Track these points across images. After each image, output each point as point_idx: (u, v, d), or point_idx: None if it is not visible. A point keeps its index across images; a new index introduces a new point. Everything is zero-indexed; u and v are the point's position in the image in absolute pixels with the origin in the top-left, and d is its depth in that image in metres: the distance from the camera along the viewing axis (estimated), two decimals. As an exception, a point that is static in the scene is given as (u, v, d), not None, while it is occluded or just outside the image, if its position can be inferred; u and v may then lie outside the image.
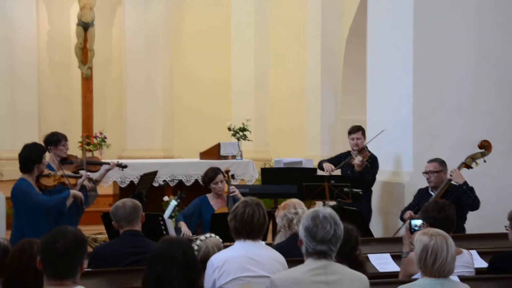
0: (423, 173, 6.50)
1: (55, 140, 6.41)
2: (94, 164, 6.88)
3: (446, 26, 7.24)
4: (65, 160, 6.38)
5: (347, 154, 7.70)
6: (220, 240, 4.27)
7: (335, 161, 7.73)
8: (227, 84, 13.92)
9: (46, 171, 6.07)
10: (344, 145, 7.77)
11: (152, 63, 13.64)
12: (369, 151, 7.45)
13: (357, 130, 7.47)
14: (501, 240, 5.19)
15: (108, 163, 6.90)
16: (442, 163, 6.44)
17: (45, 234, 3.00)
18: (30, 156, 5.90)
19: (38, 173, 5.97)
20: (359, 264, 3.91)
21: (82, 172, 6.52)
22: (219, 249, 4.11)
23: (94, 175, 6.59)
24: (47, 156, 6.43)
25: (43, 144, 6.44)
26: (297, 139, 12.45)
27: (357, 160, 7.26)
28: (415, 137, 7.27)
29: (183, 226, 6.46)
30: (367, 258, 4.18)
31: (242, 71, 13.68)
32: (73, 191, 6.03)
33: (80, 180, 6.30)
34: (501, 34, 7.32)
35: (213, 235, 4.30)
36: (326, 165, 7.53)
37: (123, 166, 7.13)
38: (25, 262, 3.35)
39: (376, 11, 7.99)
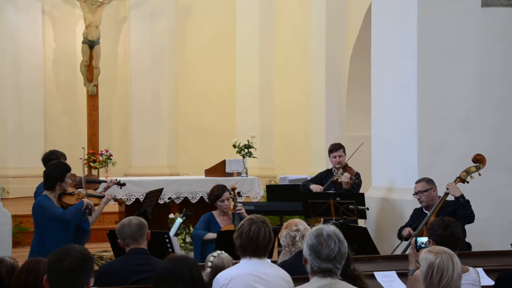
0: (413, 194, 6.51)
1: (53, 159, 6.46)
2: (93, 183, 6.92)
3: (449, 42, 7.26)
4: None
5: (327, 172, 7.75)
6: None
7: (318, 181, 7.76)
8: (232, 101, 13.97)
9: (70, 190, 6.10)
10: (349, 162, 7.78)
11: (157, 80, 13.71)
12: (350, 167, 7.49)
13: (338, 148, 7.65)
14: (507, 258, 5.18)
15: (105, 181, 6.91)
16: (429, 181, 6.45)
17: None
18: (52, 174, 5.96)
19: (60, 191, 6.01)
20: (355, 277, 3.90)
21: (105, 192, 6.55)
22: (233, 264, 4.11)
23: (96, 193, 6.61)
24: None
25: (42, 161, 6.48)
26: (302, 156, 12.44)
27: (345, 177, 7.31)
28: (420, 153, 7.26)
29: (212, 234, 6.55)
30: (364, 275, 4.15)
31: (247, 88, 13.73)
32: (86, 200, 6.05)
33: (104, 200, 6.33)
34: (503, 51, 7.35)
35: (223, 252, 4.31)
36: (314, 187, 7.55)
37: (121, 184, 7.14)
38: (31, 281, 3.35)
39: (380, 27, 8.02)
